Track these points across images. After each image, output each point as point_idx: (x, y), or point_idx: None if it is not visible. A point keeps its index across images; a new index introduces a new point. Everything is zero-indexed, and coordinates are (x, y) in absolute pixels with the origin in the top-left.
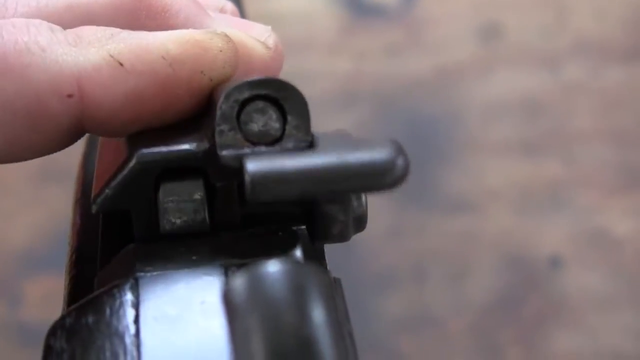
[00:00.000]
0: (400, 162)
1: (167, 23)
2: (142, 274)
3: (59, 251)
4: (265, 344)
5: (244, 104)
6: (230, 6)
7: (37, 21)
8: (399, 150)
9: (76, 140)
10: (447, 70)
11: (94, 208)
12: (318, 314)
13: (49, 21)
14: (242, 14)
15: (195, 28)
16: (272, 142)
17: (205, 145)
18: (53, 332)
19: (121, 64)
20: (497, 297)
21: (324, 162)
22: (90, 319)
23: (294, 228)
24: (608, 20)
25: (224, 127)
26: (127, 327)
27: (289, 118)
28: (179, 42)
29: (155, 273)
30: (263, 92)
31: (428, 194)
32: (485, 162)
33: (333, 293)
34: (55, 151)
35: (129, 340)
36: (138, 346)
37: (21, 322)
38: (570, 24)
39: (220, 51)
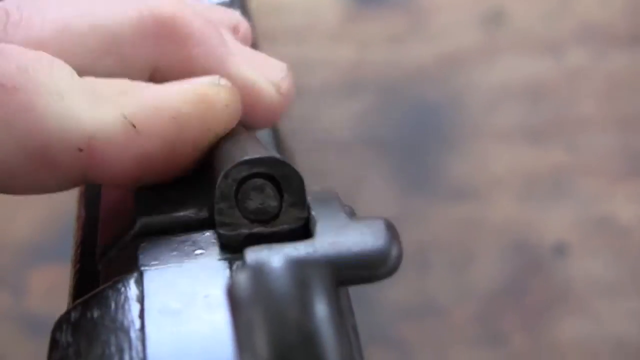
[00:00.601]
0: (394, 252)
1: (189, 52)
2: (146, 268)
3: (63, 242)
4: (268, 338)
5: (241, 181)
6: (244, 25)
7: (61, 63)
8: (393, 237)
9: (77, 187)
10: (451, 58)
11: (99, 266)
12: (321, 308)
13: (73, 43)
14: (248, 16)
15: (214, 62)
16: (269, 219)
17: (204, 214)
18: (59, 326)
19: (134, 126)
20: (501, 285)
21: (320, 256)
22: (96, 313)
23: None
24: (612, 6)
25: (223, 205)
26: (132, 321)
27: (286, 196)
28: (190, 102)
29: (159, 267)
30: (260, 170)
31: (431, 181)
32: (489, 149)
33: (336, 287)
34: (52, 192)
35: (134, 334)
36: (143, 340)
37: (25, 312)
38: (573, 9)
39: (226, 106)
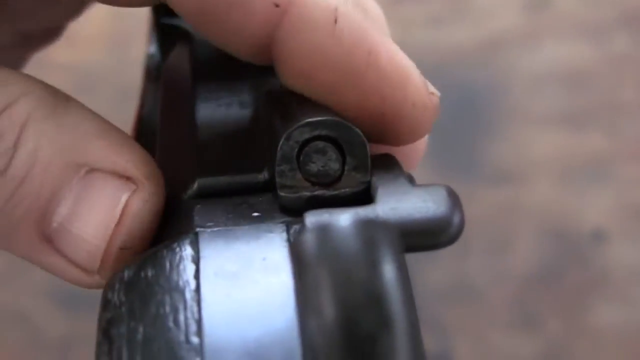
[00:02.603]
0: (456, 219)
1: None
2: (202, 229)
3: None
4: (335, 299)
5: (304, 144)
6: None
7: None
8: (455, 205)
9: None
10: (493, 41)
11: None
12: (389, 270)
13: None
14: None
15: None
16: (330, 182)
17: (264, 176)
18: (112, 285)
19: None
20: (539, 269)
21: (382, 222)
22: (150, 273)
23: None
24: None
25: (285, 167)
26: (187, 282)
27: (348, 159)
28: None
29: (215, 229)
30: (323, 132)
31: (471, 164)
32: (529, 134)
33: (402, 249)
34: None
35: (189, 295)
36: (198, 301)
37: (63, 286)
38: None
39: None
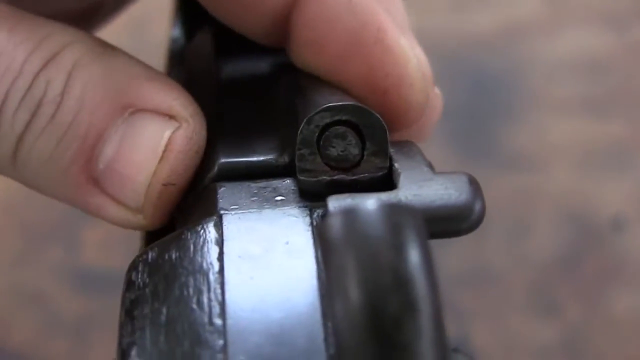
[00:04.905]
0: (477, 207)
1: None
2: (226, 212)
3: None
4: (361, 282)
5: (324, 128)
6: None
7: None
8: (476, 192)
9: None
10: (512, 27)
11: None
12: (415, 254)
13: None
14: None
15: None
16: (350, 167)
17: (284, 160)
18: (135, 266)
19: None
20: (557, 255)
21: (407, 207)
22: (174, 255)
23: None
24: None
25: (305, 151)
26: (211, 264)
27: (368, 144)
28: None
29: (239, 212)
30: (344, 117)
31: (491, 150)
32: (549, 120)
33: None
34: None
35: (212, 277)
36: (222, 283)
37: (78, 266)
38: None
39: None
